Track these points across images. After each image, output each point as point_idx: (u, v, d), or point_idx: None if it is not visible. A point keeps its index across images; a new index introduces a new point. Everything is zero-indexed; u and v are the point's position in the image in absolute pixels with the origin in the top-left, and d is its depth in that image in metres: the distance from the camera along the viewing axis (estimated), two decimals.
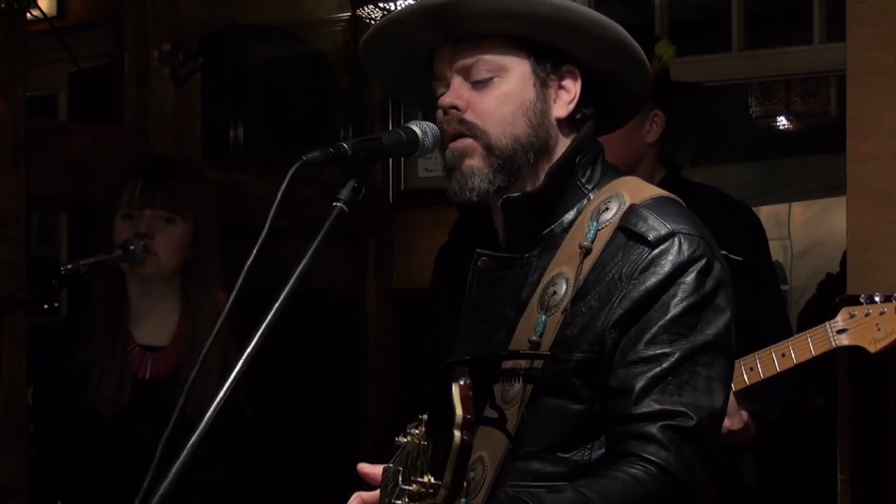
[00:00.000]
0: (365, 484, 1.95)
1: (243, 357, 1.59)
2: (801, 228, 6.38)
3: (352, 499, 1.94)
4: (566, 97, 1.93)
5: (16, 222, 3.36)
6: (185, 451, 1.52)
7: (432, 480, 1.51)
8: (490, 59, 1.89)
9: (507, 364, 1.83)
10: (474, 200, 1.89)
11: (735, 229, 2.95)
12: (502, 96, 1.89)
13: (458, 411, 1.48)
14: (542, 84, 1.91)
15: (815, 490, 3.60)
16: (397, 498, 1.75)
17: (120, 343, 2.90)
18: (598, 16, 1.91)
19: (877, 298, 2.58)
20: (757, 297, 2.91)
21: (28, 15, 3.57)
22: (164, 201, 2.88)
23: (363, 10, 4.32)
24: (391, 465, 1.86)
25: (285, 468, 2.97)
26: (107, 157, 3.69)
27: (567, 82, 1.93)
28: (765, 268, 3.06)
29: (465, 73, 1.90)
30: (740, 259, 2.88)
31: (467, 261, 1.96)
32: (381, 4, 4.24)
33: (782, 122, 6.26)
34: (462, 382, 1.52)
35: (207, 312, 2.88)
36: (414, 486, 1.56)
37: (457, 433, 1.47)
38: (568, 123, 1.95)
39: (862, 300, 2.60)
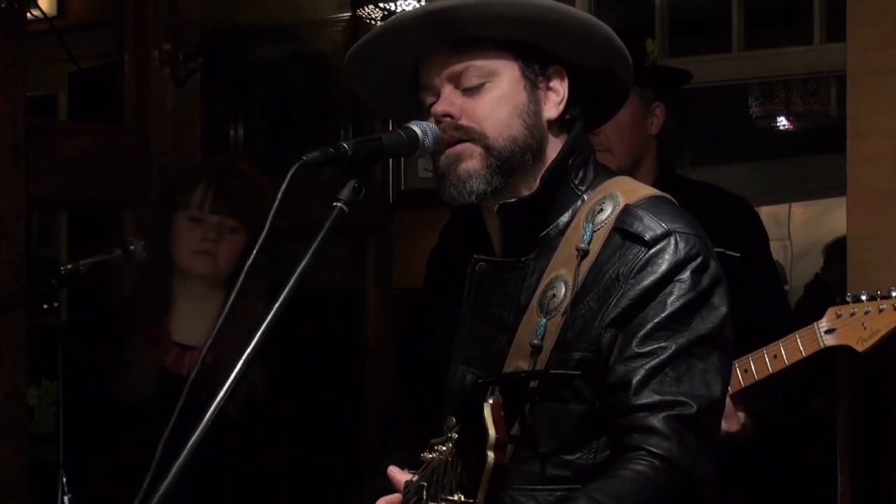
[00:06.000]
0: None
1: (243, 357, 1.59)
2: (801, 228, 6.38)
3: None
4: (555, 98, 1.94)
5: (16, 222, 3.36)
6: (185, 451, 1.52)
7: (462, 499, 1.48)
8: (480, 65, 1.89)
9: (511, 369, 1.83)
10: (473, 203, 1.89)
11: (733, 225, 2.94)
12: (495, 100, 1.89)
13: (492, 432, 1.45)
14: (532, 86, 1.92)
15: (815, 490, 3.60)
16: None
17: (155, 337, 2.90)
18: (584, 15, 1.92)
19: (863, 297, 2.56)
20: (759, 291, 2.90)
21: (28, 15, 3.57)
22: (232, 210, 2.91)
23: (363, 10, 4.31)
24: (413, 480, 1.82)
25: (284, 468, 2.97)
26: (107, 157, 3.68)
27: (555, 83, 1.94)
28: (765, 262, 3.06)
29: (456, 81, 1.90)
30: (738, 255, 2.88)
31: (461, 263, 1.96)
32: (381, 4, 4.23)
33: (782, 122, 6.27)
34: (492, 402, 1.49)
35: (245, 319, 2.86)
36: (442, 503, 1.53)
37: (490, 454, 1.44)
38: (558, 124, 1.95)
39: (848, 299, 2.59)
